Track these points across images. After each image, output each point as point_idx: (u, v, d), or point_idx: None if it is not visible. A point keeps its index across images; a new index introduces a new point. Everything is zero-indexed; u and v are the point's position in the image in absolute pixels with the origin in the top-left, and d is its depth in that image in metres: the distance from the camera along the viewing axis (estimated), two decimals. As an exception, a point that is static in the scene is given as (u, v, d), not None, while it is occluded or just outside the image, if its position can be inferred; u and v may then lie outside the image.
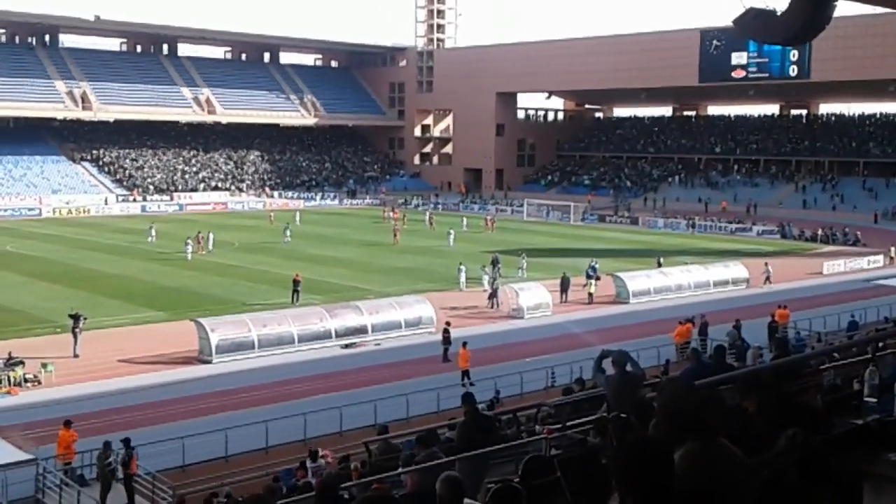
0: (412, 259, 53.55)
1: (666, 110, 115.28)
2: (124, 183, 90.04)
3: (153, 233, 59.60)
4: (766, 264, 46.46)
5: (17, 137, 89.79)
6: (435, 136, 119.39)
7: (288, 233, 60.53)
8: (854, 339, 20.57)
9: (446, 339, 30.83)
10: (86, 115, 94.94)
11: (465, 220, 72.07)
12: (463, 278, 43.90)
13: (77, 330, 30.52)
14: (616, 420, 6.92)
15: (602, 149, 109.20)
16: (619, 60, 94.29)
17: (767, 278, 45.30)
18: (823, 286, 46.88)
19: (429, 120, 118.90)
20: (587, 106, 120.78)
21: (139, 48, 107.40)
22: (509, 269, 46.23)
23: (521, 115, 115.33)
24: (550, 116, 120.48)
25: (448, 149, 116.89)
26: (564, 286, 41.61)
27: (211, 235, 56.44)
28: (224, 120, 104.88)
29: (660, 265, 48.58)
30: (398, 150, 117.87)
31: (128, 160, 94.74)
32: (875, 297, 41.00)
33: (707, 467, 3.48)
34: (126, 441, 19.29)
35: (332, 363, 30.76)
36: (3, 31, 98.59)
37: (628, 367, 9.81)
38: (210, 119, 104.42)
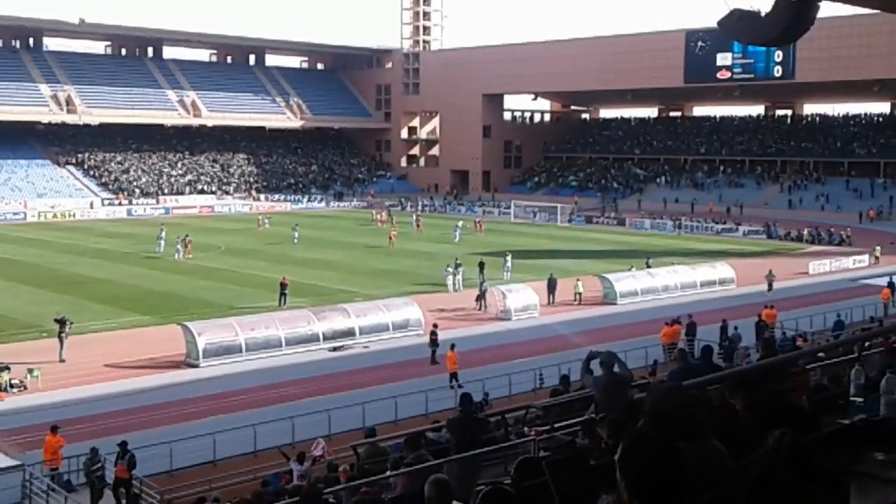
0: (400, 261, 53.49)
1: (651, 111, 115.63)
2: (110, 187, 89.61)
3: (164, 236, 56.68)
4: (770, 271, 45.66)
5: (1, 141, 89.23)
6: (422, 138, 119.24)
7: (296, 233, 61.14)
8: (840, 339, 20.67)
9: (434, 342, 30.83)
10: (70, 119, 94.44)
11: (460, 222, 71.87)
12: (450, 281, 43.95)
13: (63, 335, 30.33)
14: (606, 421, 6.92)
15: (588, 150, 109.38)
16: (604, 62, 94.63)
17: (770, 284, 44.54)
18: (809, 286, 47.10)
19: (415, 122, 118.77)
20: (573, 107, 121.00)
21: (124, 51, 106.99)
22: (494, 271, 46.18)
23: (507, 116, 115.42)
24: (537, 118, 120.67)
25: (435, 151, 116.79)
26: (551, 287, 41.67)
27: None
28: (210, 123, 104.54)
29: (648, 266, 48.58)
30: (385, 153, 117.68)
31: (113, 164, 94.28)
32: (860, 296, 41.20)
33: (696, 467, 3.49)
34: (123, 444, 19.07)
35: (319, 366, 30.68)
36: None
37: (616, 369, 9.83)
38: (196, 122, 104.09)
